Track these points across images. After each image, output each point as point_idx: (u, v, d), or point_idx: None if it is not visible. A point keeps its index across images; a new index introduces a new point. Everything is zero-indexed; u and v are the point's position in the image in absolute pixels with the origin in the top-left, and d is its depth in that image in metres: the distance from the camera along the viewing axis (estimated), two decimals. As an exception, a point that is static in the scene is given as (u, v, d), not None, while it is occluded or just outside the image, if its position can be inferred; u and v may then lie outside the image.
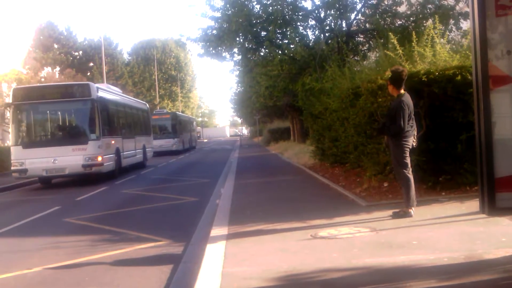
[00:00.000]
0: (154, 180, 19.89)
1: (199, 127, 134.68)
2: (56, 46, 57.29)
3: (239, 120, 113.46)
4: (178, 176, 21.09)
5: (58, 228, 10.39)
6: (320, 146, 18.53)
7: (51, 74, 49.90)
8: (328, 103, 15.19)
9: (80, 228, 10.27)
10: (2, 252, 8.52)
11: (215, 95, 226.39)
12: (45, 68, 51.81)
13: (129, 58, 77.81)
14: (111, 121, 21.92)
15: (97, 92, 19.51)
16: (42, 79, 46.07)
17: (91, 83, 19.94)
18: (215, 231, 7.97)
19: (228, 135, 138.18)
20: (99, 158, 18.78)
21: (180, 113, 54.31)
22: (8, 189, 19.72)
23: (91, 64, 57.58)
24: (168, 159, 34.10)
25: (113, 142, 20.86)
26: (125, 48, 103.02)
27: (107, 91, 22.24)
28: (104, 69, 40.17)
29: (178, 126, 44.08)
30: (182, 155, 39.68)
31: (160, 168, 26.88)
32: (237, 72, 33.45)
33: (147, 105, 33.01)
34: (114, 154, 20.83)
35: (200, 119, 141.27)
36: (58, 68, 53.64)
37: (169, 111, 53.27)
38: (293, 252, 6.29)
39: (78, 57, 59.04)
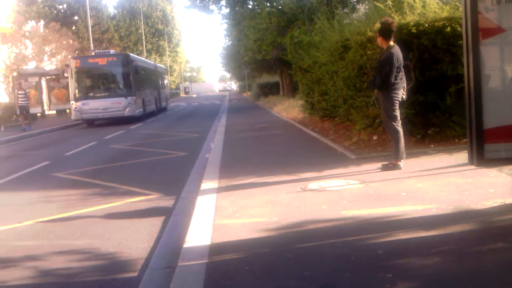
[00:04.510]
0: None
1: (187, 82, 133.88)
2: (39, -1, 56.06)
3: (228, 75, 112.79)
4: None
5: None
6: (310, 100, 18.49)
7: (35, 28, 48.97)
8: (317, 57, 15.10)
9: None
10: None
11: (203, 51, 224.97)
12: (29, 22, 50.69)
13: (115, 11, 76.29)
14: None
15: None
16: (27, 33, 45.23)
17: None
18: (206, 185, 8.00)
19: (217, 90, 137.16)
20: None
21: (138, 57, 35.86)
22: None
23: (76, 17, 56.55)
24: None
25: None
26: (110, 1, 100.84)
27: None
28: (90, 22, 39.44)
29: (135, 77, 27.27)
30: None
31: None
32: (225, 26, 33.13)
33: None
34: None
35: (188, 73, 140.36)
36: (42, 22, 52.63)
37: (118, 53, 35.71)
38: (283, 205, 6.34)
39: (62, 10, 57.89)
